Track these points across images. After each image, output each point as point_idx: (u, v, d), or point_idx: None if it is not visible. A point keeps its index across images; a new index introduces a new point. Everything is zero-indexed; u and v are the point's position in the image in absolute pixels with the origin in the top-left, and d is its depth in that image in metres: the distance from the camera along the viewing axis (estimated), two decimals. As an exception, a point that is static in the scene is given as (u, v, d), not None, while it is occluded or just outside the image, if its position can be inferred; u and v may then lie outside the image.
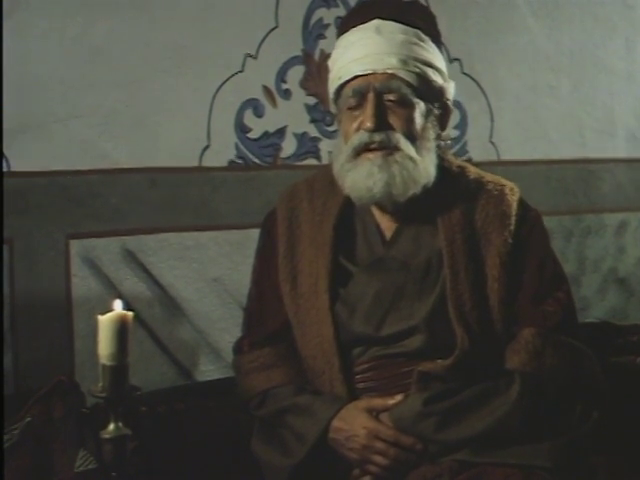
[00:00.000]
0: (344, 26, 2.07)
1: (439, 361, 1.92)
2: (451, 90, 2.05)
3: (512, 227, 2.01)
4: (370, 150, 1.94)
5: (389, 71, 1.94)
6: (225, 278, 2.68)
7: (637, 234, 3.27)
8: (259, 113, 2.72)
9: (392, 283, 1.99)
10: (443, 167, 2.05)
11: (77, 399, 2.04)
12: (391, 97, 1.95)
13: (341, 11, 2.73)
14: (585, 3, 3.15)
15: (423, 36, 2.00)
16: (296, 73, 2.76)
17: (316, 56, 2.76)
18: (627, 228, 3.26)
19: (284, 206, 2.12)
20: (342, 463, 1.95)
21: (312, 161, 2.78)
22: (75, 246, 2.51)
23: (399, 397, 1.92)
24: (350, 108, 1.98)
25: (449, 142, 2.13)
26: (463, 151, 2.99)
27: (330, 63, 2.06)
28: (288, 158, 2.77)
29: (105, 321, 1.60)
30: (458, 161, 2.16)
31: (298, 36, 2.76)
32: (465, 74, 2.98)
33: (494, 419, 1.88)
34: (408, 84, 1.95)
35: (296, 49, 2.75)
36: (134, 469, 1.78)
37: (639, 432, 2.18)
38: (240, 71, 2.69)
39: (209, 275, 2.67)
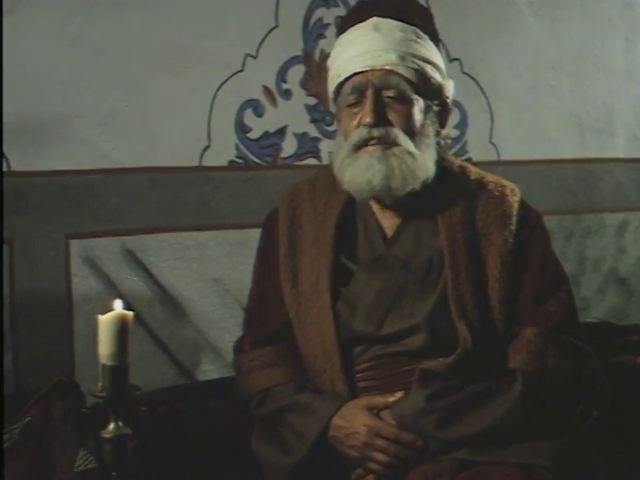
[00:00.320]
0: (343, 26, 2.09)
1: (441, 359, 1.92)
2: (450, 88, 2.05)
3: (513, 227, 2.01)
4: (369, 145, 1.95)
5: (387, 67, 1.95)
6: (225, 278, 2.68)
7: (637, 234, 3.27)
8: (259, 113, 2.72)
9: (393, 282, 2.00)
10: (444, 167, 2.05)
11: (77, 399, 2.04)
12: (390, 93, 1.95)
13: (341, 11, 2.74)
14: (585, 3, 3.15)
15: (421, 34, 2.01)
16: (296, 73, 2.76)
17: (316, 56, 2.76)
18: (627, 228, 3.26)
19: (286, 205, 2.12)
20: (342, 461, 1.95)
21: (312, 161, 2.78)
22: (75, 246, 2.51)
23: (399, 394, 1.92)
24: (349, 105, 1.99)
25: (448, 141, 2.13)
26: (463, 151, 2.99)
27: (329, 62, 2.07)
28: (288, 158, 2.77)
29: (105, 321, 1.60)
30: (459, 161, 2.16)
31: (298, 36, 2.76)
32: (465, 74, 2.98)
33: (495, 417, 1.88)
34: (407, 80, 1.96)
35: (296, 49, 2.76)
36: (134, 469, 1.78)
37: (639, 432, 2.18)
38: (240, 71, 2.69)
39: (209, 275, 2.67)
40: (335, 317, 1.99)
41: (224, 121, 2.68)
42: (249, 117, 2.71)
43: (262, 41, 2.71)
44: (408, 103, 1.97)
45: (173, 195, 2.62)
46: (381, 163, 1.94)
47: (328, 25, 2.76)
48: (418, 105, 1.98)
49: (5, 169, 2.41)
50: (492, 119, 3.04)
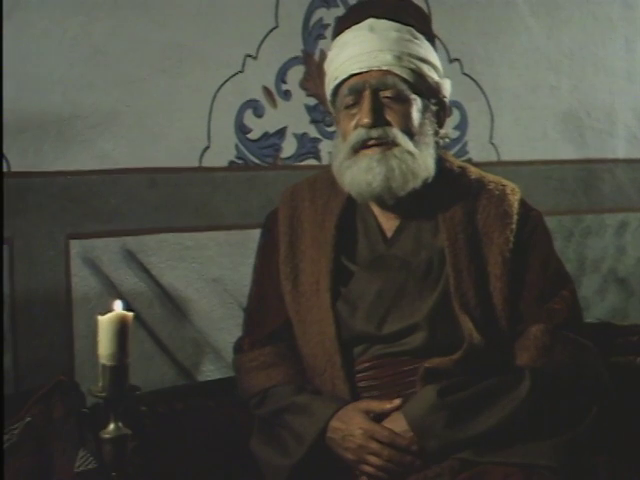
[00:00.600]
0: (339, 28, 2.09)
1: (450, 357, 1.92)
2: (447, 87, 2.06)
3: (514, 226, 2.02)
4: (368, 146, 1.95)
5: (384, 67, 1.95)
6: (225, 278, 2.68)
7: (637, 234, 3.27)
8: (259, 114, 2.72)
9: (393, 282, 2.00)
10: (444, 167, 2.06)
11: (77, 399, 2.04)
12: (387, 93, 1.95)
13: (341, 11, 2.73)
14: (585, 3, 3.15)
15: (417, 33, 2.01)
16: (296, 73, 2.76)
17: (316, 56, 2.76)
18: (627, 228, 3.26)
19: (286, 205, 2.12)
20: (340, 463, 1.95)
21: (312, 162, 2.78)
22: (75, 246, 2.51)
23: (397, 402, 1.92)
24: (347, 107, 1.99)
25: (447, 140, 2.14)
26: (463, 152, 2.99)
27: (326, 65, 2.07)
28: (288, 159, 2.77)
29: (105, 321, 1.60)
30: (459, 161, 2.17)
31: (298, 36, 2.76)
32: (465, 74, 2.98)
33: (505, 415, 1.89)
34: (404, 80, 1.96)
35: (296, 49, 2.76)
36: (134, 469, 1.78)
37: (639, 432, 2.18)
38: (240, 71, 2.69)
39: (209, 275, 2.67)
40: (335, 317, 1.99)
41: (224, 122, 2.68)
42: (249, 118, 2.71)
43: (262, 41, 2.71)
44: (406, 103, 1.97)
45: (173, 195, 2.62)
46: (381, 165, 1.94)
47: (328, 25, 2.76)
48: (416, 105, 1.98)
49: (5, 169, 2.41)
50: (492, 119, 3.04)
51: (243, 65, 2.69)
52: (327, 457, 1.94)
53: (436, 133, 2.03)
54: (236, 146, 2.71)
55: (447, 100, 2.06)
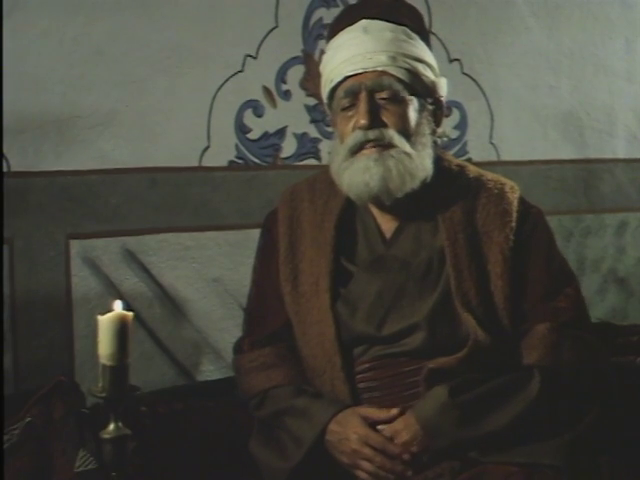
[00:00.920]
0: (333, 30, 2.08)
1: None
2: (443, 86, 2.05)
3: (513, 224, 2.01)
4: (366, 148, 1.95)
5: (379, 69, 1.95)
6: (225, 278, 2.68)
7: (637, 234, 3.27)
8: (259, 113, 2.72)
9: (393, 282, 1.99)
10: (442, 167, 2.05)
11: (77, 399, 2.04)
12: (383, 95, 1.95)
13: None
14: (585, 3, 3.16)
15: (411, 33, 2.00)
16: (296, 73, 2.76)
17: (316, 56, 2.76)
18: (627, 228, 3.26)
19: (285, 206, 2.12)
20: (339, 467, 1.94)
21: (312, 161, 2.78)
22: (75, 246, 2.51)
23: (395, 411, 1.91)
24: (344, 109, 1.98)
25: (445, 139, 2.13)
26: (463, 152, 2.99)
27: (321, 67, 2.06)
28: (288, 158, 2.77)
29: (105, 321, 1.60)
30: (457, 160, 2.16)
31: (298, 36, 2.76)
32: (465, 74, 2.98)
33: (515, 414, 1.88)
34: (399, 80, 1.95)
35: (296, 49, 2.76)
36: (134, 469, 1.78)
37: (639, 432, 2.18)
38: (240, 71, 2.69)
39: (209, 275, 2.67)
40: (335, 318, 1.99)
41: (224, 121, 2.68)
42: (249, 117, 2.71)
43: (262, 41, 2.71)
44: (402, 103, 1.96)
45: (173, 195, 2.62)
46: (378, 165, 1.94)
47: (328, 25, 2.76)
48: (412, 105, 1.98)
49: (5, 169, 2.41)
50: (492, 119, 3.04)
51: (243, 65, 2.69)
52: (326, 460, 1.94)
53: (433, 132, 2.03)
54: (236, 146, 2.71)
55: (444, 99, 2.06)
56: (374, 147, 1.94)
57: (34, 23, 2.43)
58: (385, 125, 1.95)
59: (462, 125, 2.99)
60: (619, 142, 3.24)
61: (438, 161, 2.03)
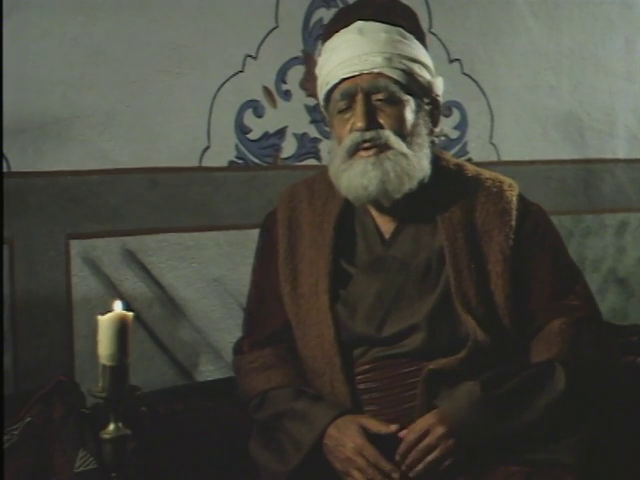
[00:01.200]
0: (328, 33, 2.07)
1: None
2: (439, 85, 2.05)
3: (513, 223, 2.01)
4: (363, 149, 1.95)
5: (375, 70, 1.94)
6: (225, 278, 2.68)
7: (637, 234, 3.27)
8: (259, 114, 2.73)
9: (392, 283, 1.99)
10: (440, 166, 2.05)
11: (77, 399, 2.04)
12: (380, 96, 1.95)
13: (341, 11, 2.73)
14: (585, 3, 3.16)
15: (406, 33, 2.00)
16: (296, 73, 2.76)
17: (316, 56, 2.74)
18: (627, 228, 3.26)
19: (284, 206, 2.12)
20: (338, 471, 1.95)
21: (312, 162, 2.78)
22: (75, 246, 2.51)
23: (394, 427, 1.89)
24: (340, 112, 1.98)
25: (442, 138, 2.13)
26: (463, 152, 2.99)
27: (317, 70, 2.06)
28: (288, 159, 2.77)
29: (105, 321, 1.60)
30: (455, 159, 2.16)
31: (298, 36, 2.76)
32: (465, 74, 2.98)
33: (544, 409, 1.88)
34: (395, 81, 1.95)
35: (296, 49, 2.76)
36: (134, 469, 1.78)
37: (639, 432, 2.18)
38: (240, 71, 2.69)
39: (209, 275, 2.67)
40: (334, 319, 1.99)
41: (224, 122, 2.68)
42: (249, 118, 2.71)
43: (262, 41, 2.71)
44: (399, 104, 1.96)
45: (173, 195, 2.62)
46: (376, 168, 1.93)
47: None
48: (409, 106, 1.97)
49: (5, 169, 2.41)
50: (492, 119, 3.04)
51: (243, 65, 2.69)
52: (325, 464, 1.93)
53: (431, 132, 2.03)
54: (236, 146, 2.71)
55: (440, 98, 2.06)
56: (371, 148, 1.94)
57: (34, 23, 2.43)
58: (382, 127, 1.94)
59: (462, 125, 2.99)
60: (619, 142, 3.24)
61: (436, 161, 2.03)
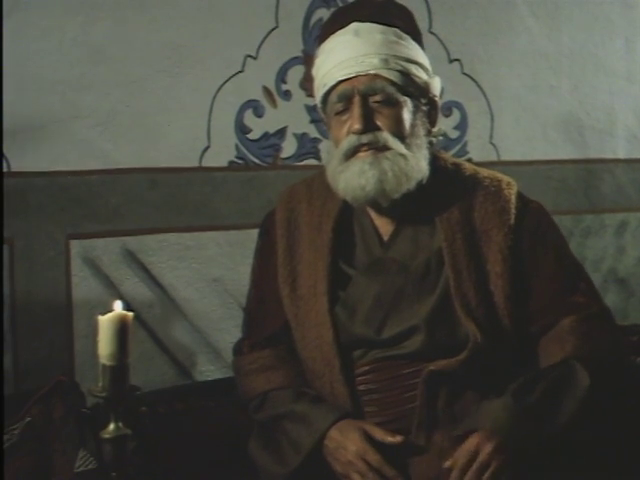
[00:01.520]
0: (324, 34, 2.06)
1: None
2: (437, 85, 2.04)
3: (512, 222, 2.00)
4: (361, 152, 1.94)
5: (372, 72, 1.93)
6: (225, 278, 2.68)
7: (637, 234, 3.27)
8: (259, 114, 2.73)
9: (392, 285, 1.99)
10: (438, 166, 2.04)
11: (77, 399, 2.04)
12: (377, 98, 1.94)
13: (341, 11, 2.73)
14: (585, 3, 3.16)
15: (402, 34, 1.99)
16: (296, 74, 2.76)
17: (316, 57, 2.76)
18: (627, 228, 3.26)
19: (283, 207, 2.11)
20: (336, 474, 1.94)
21: (312, 162, 2.78)
22: (75, 246, 2.51)
23: (399, 438, 1.89)
24: (338, 114, 1.97)
25: (440, 138, 2.13)
26: (463, 152, 2.99)
27: (313, 71, 2.05)
28: (288, 159, 2.77)
29: (105, 321, 1.60)
30: (452, 158, 2.15)
31: (298, 36, 2.76)
32: (465, 74, 2.98)
33: (575, 409, 1.87)
34: (392, 83, 1.94)
35: (296, 49, 2.76)
36: (134, 469, 1.78)
37: (639, 432, 2.18)
38: (240, 71, 2.69)
39: (209, 275, 2.67)
40: (333, 321, 1.98)
41: (224, 122, 2.68)
42: (249, 118, 2.71)
43: (262, 41, 2.71)
44: (396, 106, 1.95)
45: (173, 195, 2.62)
46: (373, 168, 1.93)
47: (324, 27, 2.76)
48: (406, 107, 1.96)
49: (5, 169, 2.41)
50: (492, 119, 3.04)
51: (243, 65, 2.69)
52: (323, 467, 1.93)
53: (429, 133, 2.02)
54: (236, 146, 2.71)
55: (437, 98, 2.05)
56: (369, 150, 1.94)
57: (34, 23, 2.43)
58: (379, 129, 1.93)
59: (462, 125, 2.99)
60: (619, 142, 3.24)
61: (434, 161, 2.02)
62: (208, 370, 2.67)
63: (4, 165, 2.41)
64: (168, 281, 2.62)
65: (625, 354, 2.03)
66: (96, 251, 2.53)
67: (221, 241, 2.68)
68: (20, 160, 2.43)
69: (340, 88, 1.96)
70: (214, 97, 2.66)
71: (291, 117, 2.76)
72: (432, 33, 2.88)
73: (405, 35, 2.00)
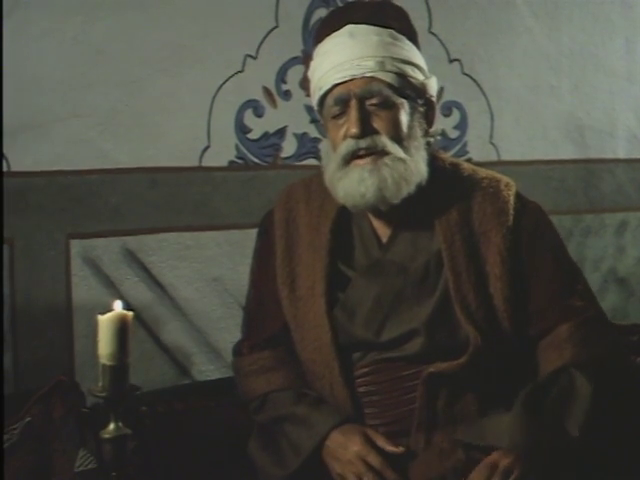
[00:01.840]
0: (319, 36, 2.04)
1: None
2: (433, 85, 2.02)
3: (510, 223, 1.99)
4: (359, 157, 1.93)
5: (368, 75, 1.92)
6: (225, 278, 2.68)
7: (637, 234, 3.27)
8: (259, 113, 2.73)
9: (391, 287, 1.98)
10: (437, 166, 2.02)
11: (77, 399, 2.04)
12: (374, 101, 1.92)
13: (341, 11, 2.73)
14: (585, 3, 3.16)
15: (398, 35, 1.97)
16: (296, 73, 2.76)
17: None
18: (627, 228, 3.26)
19: (282, 207, 2.10)
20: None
21: (312, 161, 2.78)
22: (75, 246, 2.51)
23: (401, 449, 1.89)
24: (334, 117, 1.95)
25: (438, 137, 2.11)
26: (463, 152, 2.99)
27: (309, 74, 2.03)
28: (288, 158, 2.77)
29: (105, 321, 1.60)
30: (450, 158, 2.14)
31: (298, 36, 2.76)
32: (465, 74, 2.98)
33: (583, 418, 1.87)
34: (388, 85, 1.92)
35: (296, 49, 2.76)
36: (134, 469, 1.78)
37: (639, 432, 2.18)
38: (240, 71, 2.69)
39: (209, 275, 2.67)
40: (331, 323, 1.97)
41: (224, 121, 2.68)
42: (249, 117, 2.71)
43: (262, 41, 2.71)
44: (393, 108, 1.93)
45: (173, 195, 2.62)
46: (373, 176, 1.91)
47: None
48: (403, 108, 1.94)
49: (5, 169, 2.41)
50: (492, 119, 3.04)
51: (243, 65, 2.69)
52: (322, 470, 1.93)
53: (426, 133, 2.00)
54: (236, 146, 2.71)
55: (434, 99, 2.04)
56: (367, 156, 1.92)
57: (34, 23, 2.43)
58: (377, 132, 1.92)
59: (462, 125, 2.99)
60: (619, 142, 3.24)
61: (432, 161, 2.00)
62: (208, 370, 2.67)
63: (4, 165, 2.41)
64: (168, 281, 2.62)
65: (624, 355, 2.02)
66: (96, 251, 2.54)
67: (221, 241, 2.68)
68: (20, 160, 2.43)
69: (336, 92, 1.94)
70: (214, 97, 2.66)
71: (291, 117, 2.76)
72: (432, 33, 2.88)
73: (400, 36, 1.98)
